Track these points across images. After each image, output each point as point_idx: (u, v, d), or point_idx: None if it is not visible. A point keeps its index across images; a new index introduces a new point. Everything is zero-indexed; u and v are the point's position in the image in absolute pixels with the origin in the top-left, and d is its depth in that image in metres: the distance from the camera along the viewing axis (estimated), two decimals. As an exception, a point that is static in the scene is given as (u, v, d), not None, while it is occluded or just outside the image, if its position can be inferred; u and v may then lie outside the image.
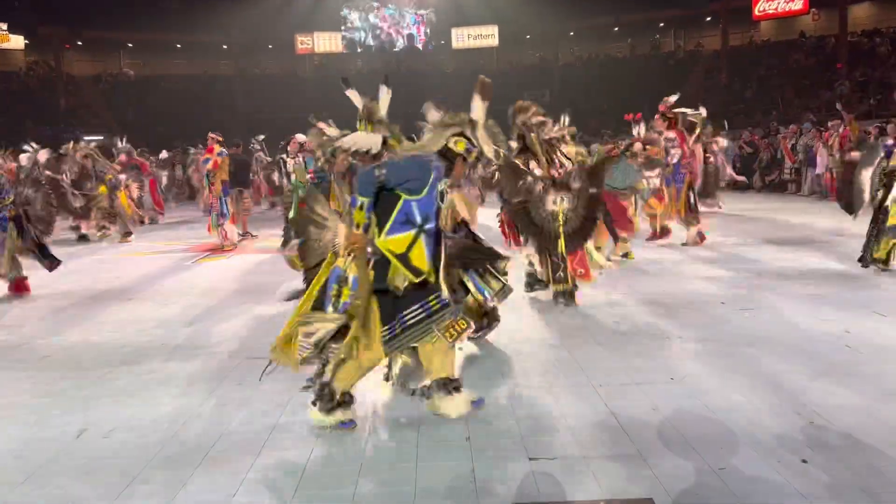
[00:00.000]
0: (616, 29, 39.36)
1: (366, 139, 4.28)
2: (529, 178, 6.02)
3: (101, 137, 31.50)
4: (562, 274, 6.12)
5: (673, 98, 9.48)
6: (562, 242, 6.00)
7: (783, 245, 9.23)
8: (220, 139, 11.93)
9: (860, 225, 7.64)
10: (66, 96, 35.31)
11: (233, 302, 6.97)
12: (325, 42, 40.41)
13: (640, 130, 9.62)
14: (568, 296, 6.17)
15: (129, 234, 12.91)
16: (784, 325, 5.32)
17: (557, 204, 5.94)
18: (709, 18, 37.26)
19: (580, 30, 39.40)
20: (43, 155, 9.66)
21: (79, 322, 6.35)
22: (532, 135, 6.07)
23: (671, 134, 9.21)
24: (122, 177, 13.66)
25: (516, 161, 6.10)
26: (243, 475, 3.17)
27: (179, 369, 4.79)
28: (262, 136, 18.79)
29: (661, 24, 39.62)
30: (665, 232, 9.71)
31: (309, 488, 3.05)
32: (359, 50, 40.87)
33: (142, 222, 14.86)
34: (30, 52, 36.46)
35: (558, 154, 6.17)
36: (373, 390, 4.18)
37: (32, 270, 7.86)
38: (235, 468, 3.23)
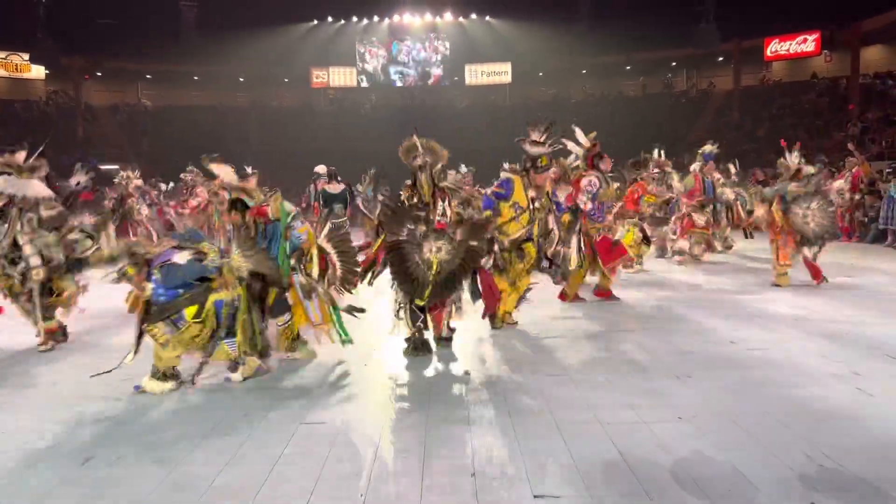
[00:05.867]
0: (628, 67, 39.75)
1: None
2: (412, 221, 5.63)
3: (117, 167, 32.03)
4: (421, 323, 5.89)
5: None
6: (428, 292, 5.53)
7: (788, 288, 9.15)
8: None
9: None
10: (84, 126, 35.91)
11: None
12: (340, 76, 41.06)
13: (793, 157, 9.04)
14: (422, 345, 5.90)
15: None
16: (793, 366, 5.27)
17: (433, 253, 5.52)
18: (721, 58, 37.56)
19: (593, 67, 39.82)
20: None
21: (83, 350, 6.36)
22: (422, 175, 5.79)
23: None
24: None
25: (405, 201, 5.86)
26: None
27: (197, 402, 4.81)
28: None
29: (674, 63, 39.98)
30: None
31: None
32: (365, 84, 41.40)
33: None
34: (50, 82, 37.17)
35: (448, 203, 5.83)
36: (376, 420, 4.17)
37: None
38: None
